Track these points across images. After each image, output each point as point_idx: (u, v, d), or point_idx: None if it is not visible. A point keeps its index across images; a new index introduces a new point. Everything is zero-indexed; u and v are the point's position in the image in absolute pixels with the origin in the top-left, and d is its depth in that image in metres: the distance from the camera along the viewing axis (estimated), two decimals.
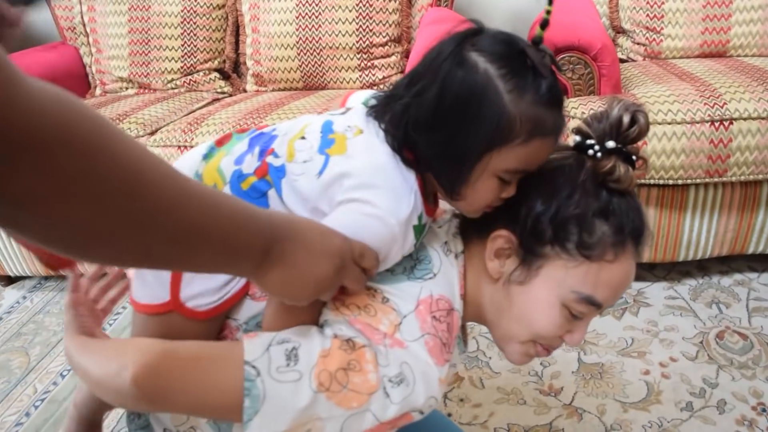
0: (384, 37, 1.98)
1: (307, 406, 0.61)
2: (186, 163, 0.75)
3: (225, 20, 2.18)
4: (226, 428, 0.72)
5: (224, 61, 2.21)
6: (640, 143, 0.70)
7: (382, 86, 2.02)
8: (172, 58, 2.16)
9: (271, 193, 0.70)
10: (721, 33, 1.93)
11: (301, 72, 2.03)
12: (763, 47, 1.92)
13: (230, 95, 2.15)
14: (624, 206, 0.69)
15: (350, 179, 0.68)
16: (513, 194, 0.71)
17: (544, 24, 0.69)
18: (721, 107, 1.49)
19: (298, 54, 2.01)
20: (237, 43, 2.21)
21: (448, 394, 1.39)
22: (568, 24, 1.69)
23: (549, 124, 0.66)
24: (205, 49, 2.16)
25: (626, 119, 0.67)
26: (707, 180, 1.53)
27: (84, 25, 2.32)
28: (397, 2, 1.99)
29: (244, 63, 2.18)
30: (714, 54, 1.95)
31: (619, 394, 1.35)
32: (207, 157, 0.75)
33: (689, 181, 1.53)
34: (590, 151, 0.69)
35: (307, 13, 1.98)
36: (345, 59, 1.99)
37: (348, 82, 2.02)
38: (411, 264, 0.72)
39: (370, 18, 1.96)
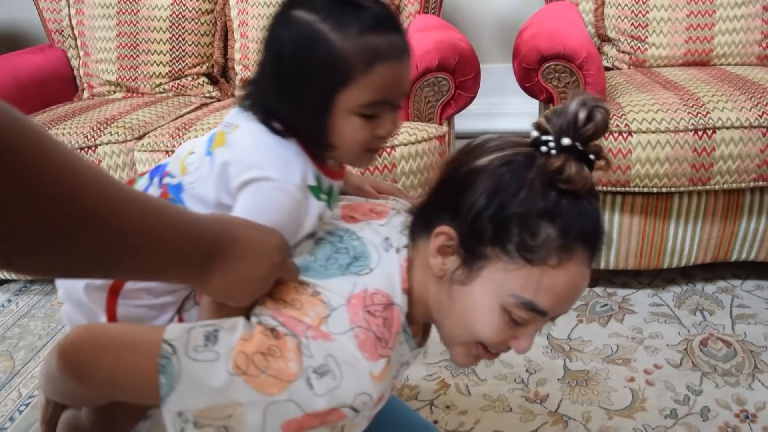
0: None
1: (223, 388, 0.61)
2: None
3: (213, 25, 2.18)
4: None
5: (212, 66, 2.21)
6: (602, 142, 0.69)
7: None
8: (161, 62, 2.16)
9: None
10: (705, 42, 1.96)
11: None
12: (746, 56, 1.94)
13: (218, 100, 2.15)
14: (575, 209, 0.64)
15: (234, 165, 0.70)
16: (392, 129, 0.73)
17: None
18: (705, 116, 1.50)
19: None
20: (225, 48, 2.21)
21: (434, 401, 1.40)
22: (553, 32, 1.71)
23: (384, 48, 0.67)
24: (193, 53, 2.16)
25: (582, 115, 0.63)
26: (691, 188, 1.55)
27: (72, 28, 2.31)
28: None
29: (233, 68, 2.18)
30: (697, 63, 1.98)
31: (604, 401, 1.36)
32: None
33: (673, 190, 1.55)
34: (543, 148, 0.65)
35: None
36: None
37: None
38: (347, 261, 0.71)
39: None
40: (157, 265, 0.54)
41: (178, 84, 2.17)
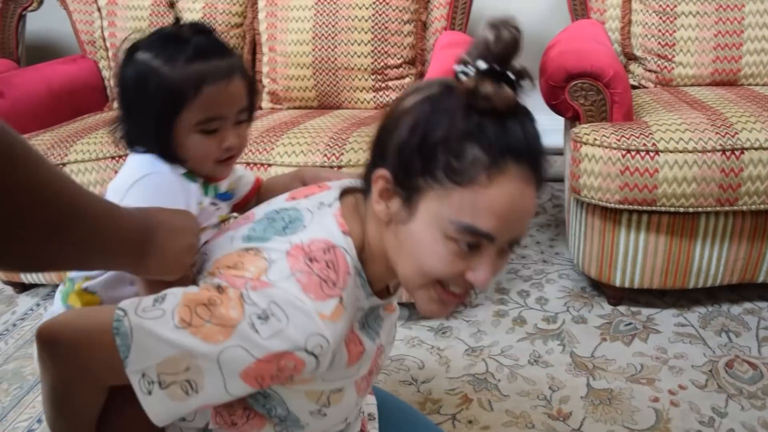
0: (398, 59, 2.01)
1: (172, 341, 0.64)
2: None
3: (242, 39, 2.21)
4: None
5: None
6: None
7: None
8: None
9: None
10: (732, 62, 1.96)
11: (317, 91, 2.06)
12: None
13: None
14: (499, 127, 0.64)
15: (115, 183, 0.87)
16: (237, 141, 0.86)
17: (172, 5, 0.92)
18: (732, 137, 1.50)
19: (314, 73, 2.04)
20: (254, 61, 2.24)
21: (456, 415, 1.40)
22: (580, 50, 1.72)
23: (209, 72, 0.80)
24: None
25: (491, 36, 0.63)
26: (718, 209, 1.54)
27: (104, 40, 2.36)
28: (412, 25, 2.02)
29: (260, 81, 2.21)
30: (725, 82, 1.97)
31: (628, 420, 1.36)
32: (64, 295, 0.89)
33: (700, 210, 1.54)
34: (462, 76, 0.65)
35: (323, 34, 2.01)
36: (360, 80, 2.02)
37: (362, 103, 2.04)
38: (282, 225, 0.74)
39: (386, 40, 1.99)
40: (110, 257, 0.64)
41: None
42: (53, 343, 0.67)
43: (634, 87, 2.05)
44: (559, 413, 1.39)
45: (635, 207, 1.57)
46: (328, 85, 2.04)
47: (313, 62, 2.03)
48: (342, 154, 1.56)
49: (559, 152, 2.63)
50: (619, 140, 1.54)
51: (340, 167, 1.55)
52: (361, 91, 2.04)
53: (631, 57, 2.11)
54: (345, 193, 0.79)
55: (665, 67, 2.01)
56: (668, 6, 1.99)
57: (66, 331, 0.67)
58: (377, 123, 0.74)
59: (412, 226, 0.68)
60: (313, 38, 2.02)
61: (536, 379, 1.49)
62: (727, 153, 1.49)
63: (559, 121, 2.04)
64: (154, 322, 0.65)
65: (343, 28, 2.00)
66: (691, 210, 1.54)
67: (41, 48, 3.05)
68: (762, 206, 1.53)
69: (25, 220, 0.50)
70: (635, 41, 2.07)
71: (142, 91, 0.81)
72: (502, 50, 0.63)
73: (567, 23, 2.32)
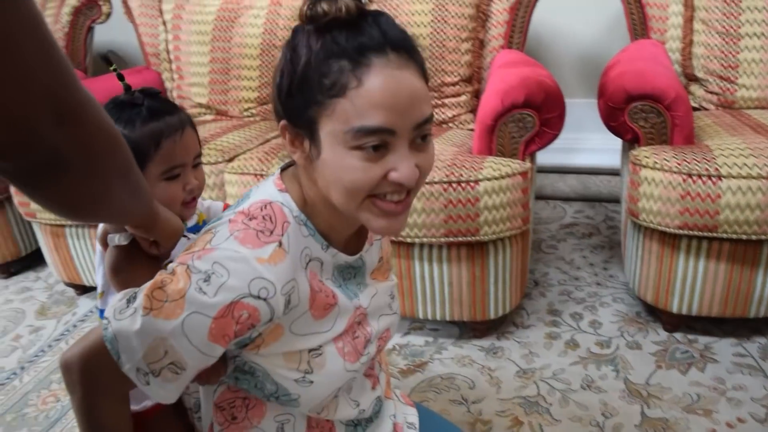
0: (455, 76, 2.02)
1: (144, 330, 0.69)
2: None
3: None
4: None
5: None
6: None
7: (451, 125, 2.05)
8: (250, 87, 2.25)
9: None
10: None
11: None
12: None
13: None
14: (350, 32, 0.68)
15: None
16: (196, 182, 0.95)
17: (121, 77, 0.97)
18: None
19: None
20: None
21: None
22: (641, 71, 1.70)
23: (164, 128, 0.91)
24: None
25: None
26: None
27: (168, 52, 2.43)
28: (470, 43, 2.03)
29: None
30: None
31: None
32: None
33: (763, 237, 1.50)
34: (302, 10, 0.71)
35: None
36: None
37: None
38: (233, 206, 0.81)
39: (443, 58, 2.00)
40: (144, 203, 0.73)
41: (266, 109, 2.25)
42: (68, 367, 0.74)
43: (694, 109, 2.01)
44: None
45: (695, 233, 1.54)
46: None
47: None
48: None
49: (615, 172, 2.60)
50: (680, 164, 1.52)
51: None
52: None
53: (692, 78, 2.08)
54: (285, 168, 0.84)
55: (728, 89, 1.97)
56: (732, 27, 1.95)
57: (75, 354, 0.74)
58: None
59: (323, 155, 0.72)
60: None
61: (589, 405, 1.48)
62: None
63: (616, 141, 2.02)
64: (129, 320, 0.70)
65: None
66: (753, 238, 1.51)
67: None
68: None
69: (110, 162, 0.61)
70: (696, 62, 2.03)
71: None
72: None
73: (626, 43, 2.30)
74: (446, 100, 2.04)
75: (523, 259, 1.72)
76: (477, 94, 2.09)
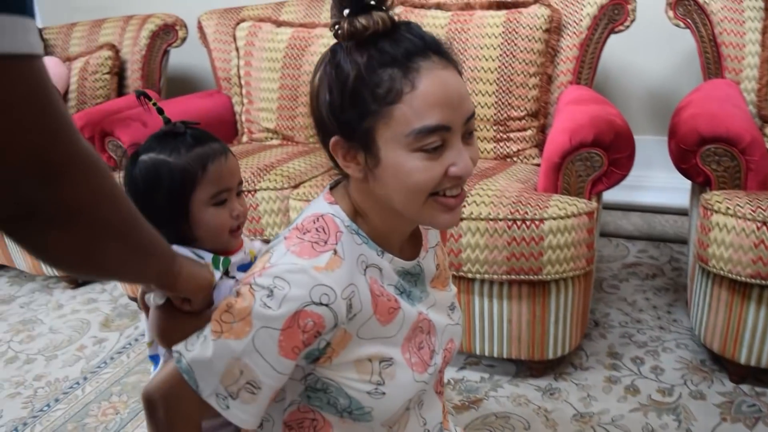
0: (522, 111, 2.02)
1: (217, 354, 0.73)
2: None
3: None
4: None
5: None
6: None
7: (515, 159, 2.05)
8: None
9: None
10: None
11: None
12: None
13: None
14: (392, 41, 0.72)
15: None
16: (242, 209, 0.95)
17: (160, 111, 1.00)
18: None
19: None
20: None
21: None
22: (715, 113, 1.66)
23: (209, 152, 0.92)
24: None
25: None
26: None
27: (239, 77, 2.50)
28: (538, 78, 2.02)
29: None
30: None
31: None
32: None
33: None
34: (337, 33, 0.74)
35: None
36: (481, 130, 2.04)
37: (483, 152, 2.06)
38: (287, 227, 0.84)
39: (510, 92, 2.00)
40: (154, 262, 0.73)
41: None
42: (149, 401, 0.78)
43: None
44: None
45: (763, 282, 1.48)
46: None
47: None
48: (464, 206, 1.58)
49: (682, 212, 2.54)
50: (754, 211, 1.47)
51: (461, 219, 1.56)
52: (482, 140, 2.05)
53: (766, 120, 2.02)
54: (333, 186, 0.88)
55: None
56: None
57: (154, 387, 0.78)
58: (311, 116, 0.83)
59: (383, 163, 0.74)
60: None
61: None
62: None
63: (684, 180, 1.97)
64: (201, 348, 0.74)
65: (468, 79, 2.03)
66: None
67: (180, 80, 3.27)
68: None
69: (104, 223, 0.61)
70: None
71: (154, 184, 0.93)
72: None
73: (698, 81, 2.25)
74: (512, 135, 2.03)
75: (585, 300, 1.69)
76: (543, 129, 2.07)
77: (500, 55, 2.00)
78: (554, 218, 1.51)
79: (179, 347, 0.77)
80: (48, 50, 3.11)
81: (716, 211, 1.53)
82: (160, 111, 1.03)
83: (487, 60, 2.01)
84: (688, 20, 2.08)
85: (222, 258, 0.98)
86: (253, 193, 1.89)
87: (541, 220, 1.51)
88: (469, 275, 1.60)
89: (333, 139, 0.77)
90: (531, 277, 1.56)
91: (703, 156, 1.61)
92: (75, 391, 1.89)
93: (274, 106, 2.35)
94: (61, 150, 0.52)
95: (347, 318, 0.75)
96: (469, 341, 1.72)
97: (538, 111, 2.05)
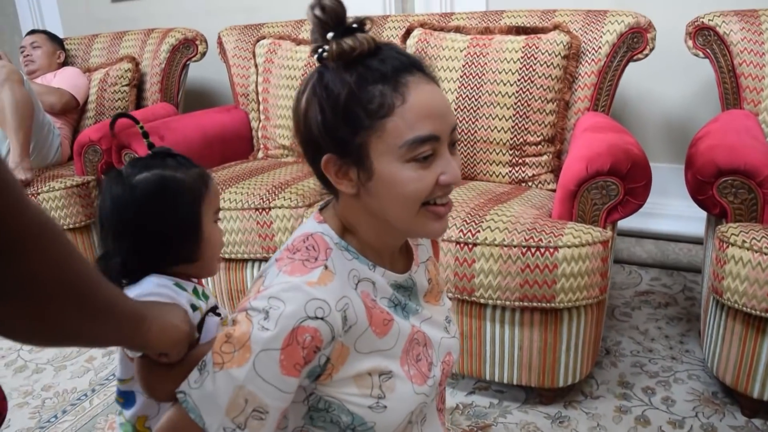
0: (538, 136, 2.02)
1: (222, 386, 0.73)
2: None
3: None
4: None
5: None
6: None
7: (530, 184, 2.04)
8: None
9: None
10: None
11: None
12: None
13: None
14: (378, 59, 0.75)
15: None
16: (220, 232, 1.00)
17: (146, 135, 1.05)
18: None
19: None
20: None
21: None
22: (733, 146, 1.65)
23: (205, 173, 0.98)
24: None
25: (318, 13, 0.75)
26: None
27: (257, 94, 2.52)
28: (555, 104, 2.02)
29: None
30: None
31: None
32: None
33: None
34: (323, 54, 0.77)
35: (465, 106, 2.05)
36: (497, 154, 2.04)
37: (497, 176, 2.06)
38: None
39: (527, 117, 2.00)
40: (116, 326, 0.71)
41: None
42: None
43: None
44: None
45: None
46: (465, 156, 2.08)
47: None
48: (478, 231, 1.58)
49: (696, 241, 2.52)
50: None
51: (475, 245, 1.56)
52: (497, 164, 2.05)
53: None
54: (323, 208, 0.90)
55: None
56: None
57: (162, 429, 0.78)
58: (296, 138, 0.85)
59: (376, 176, 0.77)
60: (455, 110, 2.06)
61: None
62: None
63: (699, 209, 1.96)
64: (205, 383, 0.75)
65: (485, 102, 2.03)
66: None
67: (197, 94, 3.30)
68: None
69: (57, 291, 0.60)
70: None
71: (159, 200, 0.93)
72: (333, 14, 0.75)
73: (715, 110, 2.25)
74: (527, 159, 2.03)
75: (597, 329, 1.68)
76: (559, 155, 2.07)
77: (518, 80, 2.01)
78: (569, 246, 1.50)
79: (183, 386, 0.77)
80: (69, 60, 3.15)
81: (732, 244, 1.52)
82: (146, 135, 1.05)
83: (505, 84, 2.01)
84: (708, 50, 2.08)
85: (201, 289, 0.99)
86: (267, 210, 1.90)
87: (556, 248, 1.50)
88: (482, 300, 1.59)
89: (325, 157, 0.79)
90: (544, 305, 1.55)
91: (720, 188, 1.60)
92: (83, 403, 1.89)
93: (291, 123, 2.36)
94: (8, 227, 0.53)
95: (343, 330, 0.77)
96: (480, 366, 1.72)
97: (555, 137, 2.05)
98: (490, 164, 2.06)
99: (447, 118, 0.78)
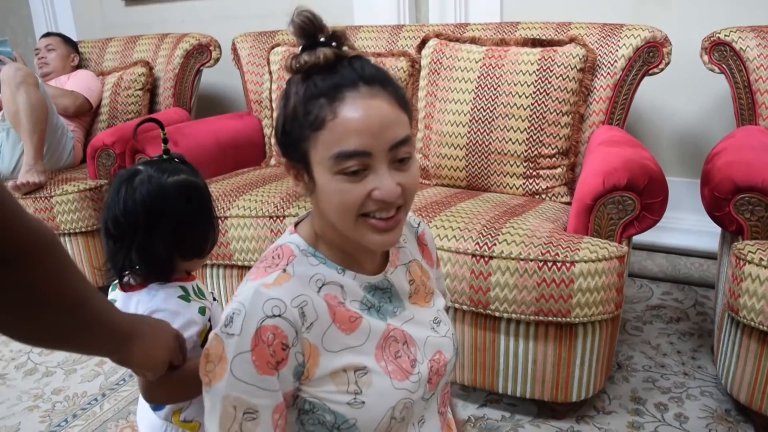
0: (552, 149, 2.01)
1: (212, 402, 0.77)
2: None
3: (412, 120, 2.29)
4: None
5: None
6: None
7: (544, 196, 2.04)
8: None
9: None
10: None
11: (467, 172, 2.10)
12: None
13: None
14: (328, 75, 0.77)
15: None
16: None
17: (165, 141, 1.15)
18: None
19: (467, 155, 2.08)
20: None
21: None
22: (750, 162, 1.64)
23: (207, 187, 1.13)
24: None
25: (291, 29, 0.79)
26: None
27: (270, 101, 2.52)
28: (570, 117, 2.02)
29: None
30: None
31: None
32: None
33: None
34: (289, 64, 0.80)
35: (481, 118, 2.05)
36: (511, 165, 2.04)
37: (511, 188, 2.06)
38: None
39: (542, 130, 2.00)
40: (101, 339, 0.80)
41: None
42: None
43: None
44: None
45: None
46: (480, 168, 2.08)
47: (468, 144, 2.07)
48: (494, 245, 1.57)
49: (708, 256, 2.52)
50: None
51: (491, 258, 1.56)
52: (511, 176, 2.05)
53: None
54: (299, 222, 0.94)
55: None
56: None
57: None
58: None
59: (317, 184, 0.80)
60: (470, 121, 2.06)
61: None
62: None
63: (712, 224, 1.96)
64: (206, 406, 0.79)
65: (500, 114, 2.03)
66: None
67: (209, 99, 3.31)
68: None
69: (49, 299, 0.69)
70: None
71: (195, 199, 1.08)
72: (301, 30, 0.78)
73: (729, 125, 2.25)
74: (541, 172, 2.03)
75: (611, 344, 1.68)
76: (573, 168, 2.07)
77: (534, 92, 2.01)
78: (585, 261, 1.50)
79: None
80: (82, 64, 3.16)
81: (749, 262, 1.51)
82: (165, 140, 1.14)
83: (520, 96, 2.01)
84: (723, 66, 2.08)
85: (198, 285, 1.14)
86: (281, 218, 1.90)
87: (572, 263, 1.50)
88: (497, 314, 1.59)
89: (284, 160, 0.85)
90: (559, 319, 1.54)
91: (736, 205, 1.59)
92: (93, 408, 1.90)
93: None
94: (9, 242, 0.61)
95: (303, 327, 0.79)
96: (492, 379, 1.71)
97: (569, 149, 2.05)
98: (504, 176, 2.06)
99: (383, 134, 0.76)
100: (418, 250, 1.02)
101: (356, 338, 0.84)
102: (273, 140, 0.87)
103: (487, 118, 2.05)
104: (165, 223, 1.04)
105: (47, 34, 3.09)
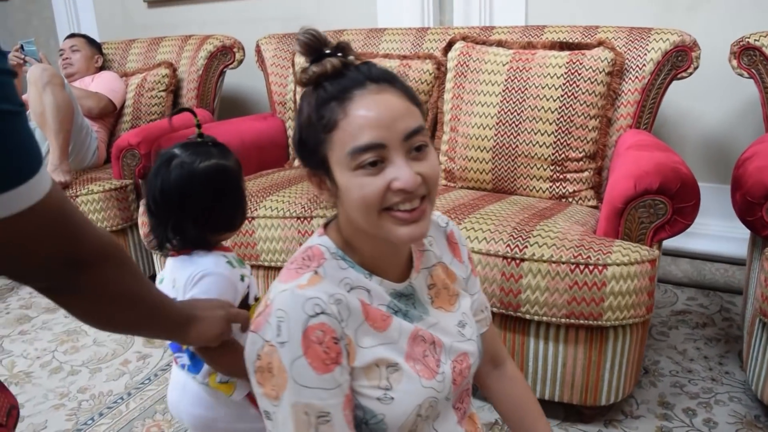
0: (580, 152, 2.01)
1: (283, 414, 0.78)
2: None
3: (425, 115, 2.30)
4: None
5: None
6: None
7: (571, 200, 2.03)
8: None
9: None
10: None
11: (493, 175, 2.09)
12: None
13: None
14: (337, 80, 0.80)
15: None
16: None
17: (199, 126, 1.24)
18: None
19: (493, 157, 2.08)
20: (432, 137, 2.31)
21: None
22: None
23: (240, 164, 1.23)
24: None
25: (297, 47, 0.83)
26: None
27: (294, 102, 2.53)
28: (597, 121, 2.01)
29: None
30: None
31: None
32: None
33: None
34: (300, 79, 0.84)
35: (508, 121, 2.05)
36: (538, 169, 2.03)
37: (538, 191, 2.05)
38: None
39: (569, 133, 2.00)
40: (163, 325, 0.95)
41: None
42: None
43: None
44: None
45: None
46: (506, 171, 2.07)
47: (494, 147, 2.07)
48: (525, 247, 1.57)
49: (734, 262, 2.50)
50: None
51: (522, 260, 1.56)
52: (538, 179, 2.04)
53: None
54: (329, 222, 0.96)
55: None
56: None
57: None
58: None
59: (339, 186, 0.81)
60: (497, 124, 2.06)
61: None
62: None
63: (737, 230, 1.96)
64: (276, 424, 0.80)
65: (528, 117, 2.03)
66: None
67: (231, 101, 3.32)
68: None
69: (123, 298, 0.82)
70: None
71: (224, 180, 1.17)
72: (307, 47, 0.82)
73: (758, 131, 2.24)
74: (568, 175, 2.02)
75: (641, 348, 1.67)
76: (600, 172, 2.06)
77: (561, 95, 2.00)
78: (618, 264, 1.49)
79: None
80: (106, 65, 3.18)
81: None
82: (199, 125, 1.23)
83: (548, 100, 2.01)
84: (753, 70, 2.07)
85: (235, 256, 1.24)
86: (309, 219, 1.90)
87: (605, 266, 1.49)
88: (527, 316, 1.59)
89: (306, 171, 0.87)
90: (590, 322, 1.54)
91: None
92: (119, 407, 1.90)
93: None
94: (83, 249, 0.72)
95: (342, 318, 0.81)
96: None
97: (596, 153, 2.04)
98: (531, 179, 2.06)
99: (395, 125, 0.79)
100: (448, 249, 1.03)
101: (390, 335, 0.86)
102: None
103: (514, 121, 2.05)
104: (194, 205, 1.15)
105: (72, 35, 3.12)
